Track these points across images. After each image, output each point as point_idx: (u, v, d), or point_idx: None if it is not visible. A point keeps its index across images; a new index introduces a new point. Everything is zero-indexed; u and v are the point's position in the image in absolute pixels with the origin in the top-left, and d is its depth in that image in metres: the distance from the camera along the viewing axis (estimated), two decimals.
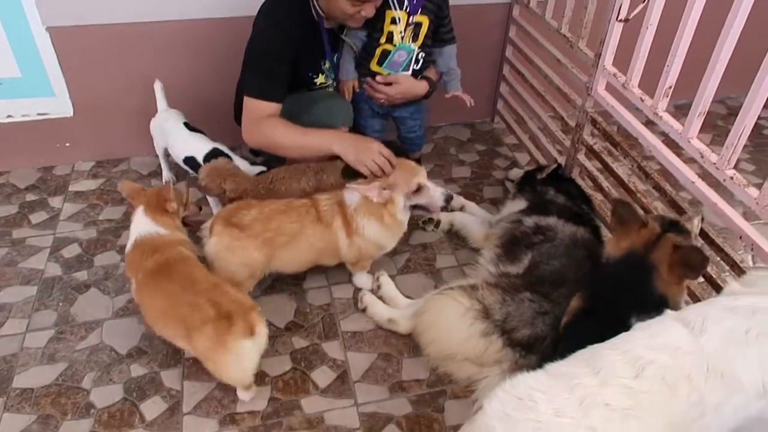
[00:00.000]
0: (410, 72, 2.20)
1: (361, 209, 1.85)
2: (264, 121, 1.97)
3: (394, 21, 2.10)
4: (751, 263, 1.63)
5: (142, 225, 1.78)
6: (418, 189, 1.88)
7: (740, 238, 1.51)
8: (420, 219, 2.32)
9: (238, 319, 1.52)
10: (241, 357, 1.56)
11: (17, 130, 2.49)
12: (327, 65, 2.17)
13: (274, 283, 2.05)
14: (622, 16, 1.86)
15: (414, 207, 1.95)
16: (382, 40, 2.14)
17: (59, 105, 2.47)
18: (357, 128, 2.32)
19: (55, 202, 2.41)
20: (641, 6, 1.80)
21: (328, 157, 2.02)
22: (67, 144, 2.59)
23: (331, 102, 2.16)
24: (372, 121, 2.34)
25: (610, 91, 2.01)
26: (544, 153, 2.54)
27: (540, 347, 1.71)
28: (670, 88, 1.71)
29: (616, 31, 1.90)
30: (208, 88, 2.56)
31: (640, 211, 1.64)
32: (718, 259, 1.64)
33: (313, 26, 2.03)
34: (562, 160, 2.37)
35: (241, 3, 2.35)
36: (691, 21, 1.58)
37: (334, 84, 2.26)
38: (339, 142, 1.96)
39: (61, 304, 1.97)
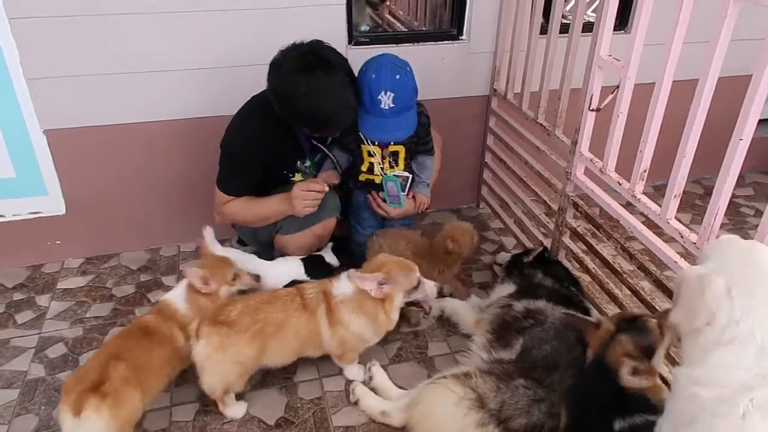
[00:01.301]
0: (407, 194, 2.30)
1: (350, 302, 1.84)
2: (226, 205, 2.14)
3: (370, 154, 2.21)
4: None
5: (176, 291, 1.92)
6: (417, 285, 1.89)
7: None
8: (410, 309, 2.31)
9: (73, 395, 1.51)
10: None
11: (8, 230, 2.51)
12: (307, 164, 2.25)
13: (264, 378, 2.01)
14: (594, 105, 1.96)
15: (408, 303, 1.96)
16: (364, 168, 2.25)
17: (52, 204, 2.51)
18: (355, 234, 2.42)
19: (43, 300, 2.39)
20: (611, 96, 1.90)
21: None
22: (58, 242, 2.60)
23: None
24: (369, 230, 2.40)
25: (589, 175, 2.08)
26: (530, 236, 2.58)
27: None
28: (645, 171, 1.78)
29: (589, 119, 1.99)
30: (198, 183, 2.61)
31: (595, 313, 1.68)
32: None
33: (289, 129, 2.10)
34: (547, 242, 2.40)
35: (226, 103, 2.45)
36: (659, 108, 1.67)
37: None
38: (287, 204, 2.07)
39: (43, 407, 1.91)
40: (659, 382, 1.56)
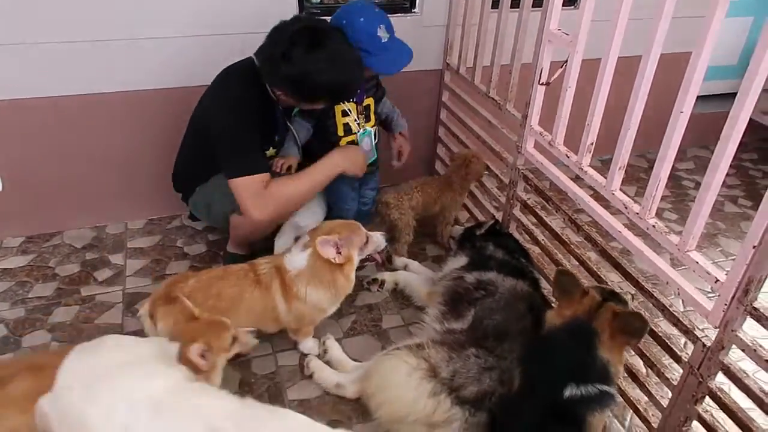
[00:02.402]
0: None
1: (304, 275, 1.83)
2: (265, 191, 1.94)
3: (345, 113, 2.21)
4: (681, 308, 1.70)
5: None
6: (366, 240, 1.91)
7: (667, 283, 1.59)
8: (364, 280, 2.32)
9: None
10: None
11: None
12: (277, 139, 2.20)
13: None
14: (543, 80, 1.99)
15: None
16: (341, 133, 2.24)
17: None
18: (339, 212, 2.37)
19: None
20: (560, 71, 1.93)
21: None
22: None
23: None
24: (351, 203, 2.40)
25: (539, 149, 2.11)
26: (482, 210, 2.62)
27: (488, 403, 1.71)
28: (591, 144, 1.82)
29: (539, 93, 2.02)
30: (145, 159, 2.53)
31: (582, 281, 1.71)
32: (650, 304, 1.70)
33: (266, 98, 2.06)
34: (499, 215, 2.45)
35: (170, 75, 2.38)
36: (605, 82, 1.70)
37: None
38: (341, 164, 2.10)
39: None
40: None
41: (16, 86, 2.24)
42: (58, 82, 2.28)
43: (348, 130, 2.25)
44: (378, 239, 1.95)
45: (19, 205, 2.47)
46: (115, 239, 2.56)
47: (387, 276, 2.33)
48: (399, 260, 2.44)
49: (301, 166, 2.15)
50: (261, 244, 2.41)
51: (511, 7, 2.20)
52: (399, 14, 2.61)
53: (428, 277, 2.31)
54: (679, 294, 1.56)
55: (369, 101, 2.28)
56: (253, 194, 1.93)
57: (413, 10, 2.63)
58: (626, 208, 1.69)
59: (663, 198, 1.61)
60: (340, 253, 1.80)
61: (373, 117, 2.31)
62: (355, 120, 2.24)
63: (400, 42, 2.15)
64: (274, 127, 2.16)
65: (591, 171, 1.83)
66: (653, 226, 1.60)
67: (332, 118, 2.22)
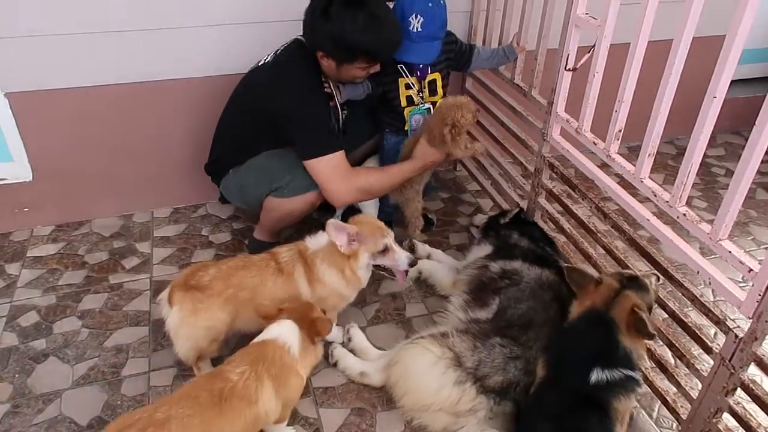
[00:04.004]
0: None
1: (322, 255, 1.84)
2: (351, 176, 2.03)
3: (408, 86, 2.29)
4: (711, 297, 1.66)
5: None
6: (384, 250, 1.88)
7: (698, 272, 1.55)
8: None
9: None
10: None
11: None
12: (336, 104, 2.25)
13: (240, 341, 2.00)
14: (570, 65, 1.95)
15: (377, 266, 1.95)
16: (404, 104, 2.32)
17: (18, 170, 2.43)
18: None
19: (13, 268, 2.34)
20: (587, 56, 1.89)
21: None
22: (26, 209, 2.53)
23: None
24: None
25: (565, 136, 2.08)
26: (507, 198, 2.60)
27: (513, 393, 1.70)
28: (620, 131, 1.78)
29: (565, 79, 1.98)
30: (171, 147, 2.56)
31: (592, 271, 1.69)
32: (680, 294, 1.67)
33: (324, 79, 2.11)
34: (523, 204, 2.42)
35: (195, 64, 2.39)
36: (634, 67, 1.66)
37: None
38: (424, 167, 2.19)
39: (17, 375, 1.89)
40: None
41: (45, 76, 2.27)
42: (87, 72, 2.31)
43: (410, 101, 2.33)
44: (399, 256, 1.89)
45: (49, 194, 2.52)
46: (142, 228, 2.59)
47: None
48: (422, 249, 2.43)
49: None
50: (287, 232, 2.42)
51: None
52: None
53: (452, 266, 2.30)
54: (710, 284, 1.52)
55: (434, 76, 2.31)
56: (340, 174, 2.01)
57: None
58: (656, 196, 1.66)
59: (693, 185, 1.57)
60: (350, 244, 1.79)
61: (440, 90, 2.35)
62: (419, 93, 2.31)
63: (428, 44, 2.17)
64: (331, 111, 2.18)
65: (619, 158, 1.80)
66: (684, 214, 1.57)
67: (396, 90, 2.30)
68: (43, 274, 2.32)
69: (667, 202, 1.62)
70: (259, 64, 2.10)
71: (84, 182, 2.54)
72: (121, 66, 2.34)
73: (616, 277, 1.65)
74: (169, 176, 2.63)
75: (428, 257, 2.41)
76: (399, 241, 1.95)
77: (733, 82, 1.43)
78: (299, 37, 2.08)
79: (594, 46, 1.80)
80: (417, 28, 2.10)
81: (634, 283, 1.62)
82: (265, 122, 2.03)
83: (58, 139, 2.42)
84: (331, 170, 2.01)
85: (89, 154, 2.48)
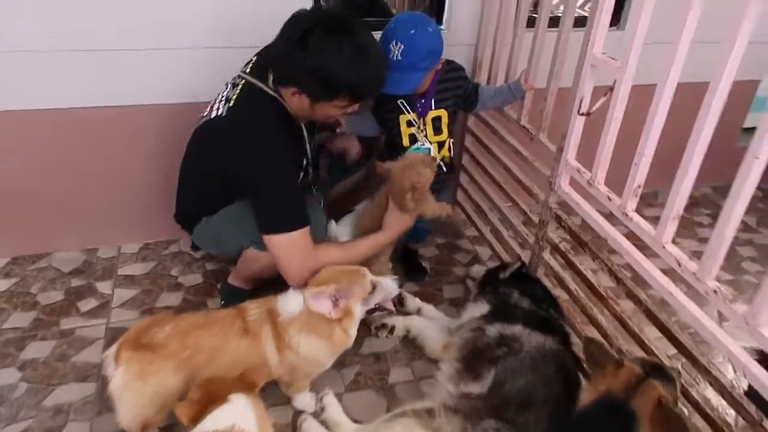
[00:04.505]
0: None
1: (297, 322, 1.60)
2: (312, 254, 1.73)
3: (409, 123, 2.08)
4: (744, 387, 1.42)
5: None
6: (373, 288, 1.67)
7: (728, 359, 1.32)
8: (373, 324, 2.08)
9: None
10: None
11: None
12: (304, 163, 1.95)
13: None
14: (584, 109, 1.74)
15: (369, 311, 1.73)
16: (406, 143, 2.10)
17: None
18: None
19: None
20: (603, 99, 1.68)
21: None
22: None
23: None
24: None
25: (575, 186, 1.86)
26: (507, 248, 2.36)
27: None
28: (639, 187, 1.56)
29: (577, 124, 1.77)
30: (143, 178, 2.34)
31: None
32: (706, 383, 1.43)
33: (294, 128, 1.83)
34: (526, 256, 2.19)
35: (175, 89, 2.19)
36: (659, 117, 1.45)
37: (311, 178, 2.02)
38: (396, 230, 1.93)
39: None
40: None
41: (4, 96, 2.06)
42: (51, 93, 2.10)
43: (414, 140, 2.12)
44: (388, 286, 1.71)
45: (6, 222, 2.29)
46: (105, 264, 2.36)
47: (398, 321, 2.08)
48: (412, 302, 2.19)
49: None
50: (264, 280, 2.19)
51: (548, 27, 1.97)
52: None
53: (444, 325, 2.06)
54: (744, 373, 1.29)
55: (439, 113, 2.09)
56: (300, 254, 1.72)
57: (440, 27, 2.40)
58: (680, 265, 1.43)
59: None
60: (337, 305, 1.56)
61: (445, 129, 2.12)
62: (421, 130, 2.09)
63: (406, 75, 1.91)
64: (302, 153, 1.91)
65: (637, 218, 1.57)
66: (714, 291, 1.34)
67: (397, 127, 2.10)
68: None
69: (695, 274, 1.39)
70: (211, 116, 1.79)
71: (44, 212, 2.32)
72: (86, 88, 2.13)
73: (638, 362, 1.40)
74: (138, 209, 2.41)
75: (418, 312, 2.17)
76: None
77: None
78: (244, 74, 1.78)
79: (612, 88, 1.60)
80: (397, 56, 1.87)
81: (658, 372, 1.38)
82: (228, 182, 1.77)
83: (17, 164, 2.20)
84: (289, 249, 1.72)
85: (51, 181, 2.26)
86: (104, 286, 2.24)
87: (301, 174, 1.92)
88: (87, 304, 2.15)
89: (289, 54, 1.62)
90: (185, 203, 2.03)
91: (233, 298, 2.09)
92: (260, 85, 1.74)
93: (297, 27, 1.61)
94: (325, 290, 1.54)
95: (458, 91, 2.11)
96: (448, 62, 2.10)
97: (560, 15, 1.85)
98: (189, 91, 2.20)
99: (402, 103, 2.07)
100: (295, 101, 1.73)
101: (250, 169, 1.68)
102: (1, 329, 2.02)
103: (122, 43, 2.07)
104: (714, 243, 1.32)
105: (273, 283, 2.00)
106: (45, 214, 2.32)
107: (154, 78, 2.17)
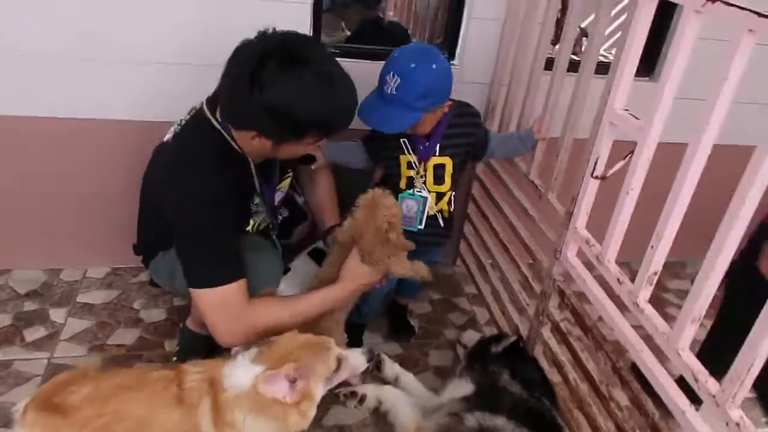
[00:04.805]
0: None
1: (245, 400, 1.35)
2: (246, 314, 1.47)
3: (410, 166, 1.82)
4: None
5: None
6: (338, 363, 1.42)
7: None
8: (341, 391, 1.82)
9: None
10: None
11: None
12: (257, 201, 1.69)
13: None
14: (599, 172, 1.48)
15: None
16: (403, 185, 1.84)
17: None
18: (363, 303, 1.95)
19: None
20: (622, 163, 1.43)
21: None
22: None
23: (257, 257, 1.61)
24: (387, 282, 1.91)
25: (583, 259, 1.59)
26: (505, 314, 2.09)
27: None
28: (655, 274, 1.29)
29: (590, 188, 1.51)
30: (115, 197, 2.15)
31: None
32: None
33: (239, 165, 1.57)
34: (524, 328, 1.92)
35: (159, 106, 2.00)
36: (685, 190, 1.18)
37: (265, 221, 1.76)
38: (348, 298, 1.67)
39: None
40: None
41: None
42: (13, 99, 1.94)
43: (411, 184, 1.84)
44: (356, 362, 1.45)
45: None
46: (65, 288, 2.18)
47: (370, 390, 1.82)
48: (390, 367, 1.93)
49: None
50: None
51: (568, 71, 1.72)
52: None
53: (419, 402, 1.79)
54: None
55: (443, 161, 1.82)
56: (226, 313, 1.46)
57: (451, 62, 2.18)
58: (697, 381, 1.15)
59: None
60: (295, 387, 1.31)
61: (448, 180, 1.84)
62: (420, 176, 1.83)
63: (398, 111, 1.65)
64: (250, 193, 1.66)
65: (650, 311, 1.30)
66: (737, 424, 1.05)
67: (397, 167, 1.84)
68: None
69: (714, 396, 1.10)
70: (164, 139, 1.61)
71: (7, 224, 2.15)
72: (55, 97, 1.96)
73: None
74: (107, 230, 2.22)
75: (395, 381, 1.91)
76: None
77: None
78: (204, 100, 1.58)
79: (632, 152, 1.34)
80: (392, 90, 1.63)
81: None
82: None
83: None
84: (213, 306, 1.46)
85: (17, 191, 2.09)
86: (58, 314, 2.05)
87: (251, 219, 1.68)
88: (34, 333, 1.96)
89: (240, 96, 1.38)
90: (143, 233, 1.82)
91: (190, 344, 1.87)
92: (209, 115, 1.53)
93: (244, 64, 1.37)
94: (281, 372, 1.29)
95: (469, 139, 1.85)
96: (462, 105, 1.84)
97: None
98: (168, 107, 2.00)
99: (404, 141, 1.82)
100: (256, 145, 1.49)
101: (177, 213, 1.46)
102: None
103: (94, 50, 1.90)
104: (743, 361, 1.04)
105: None
106: (5, 227, 2.15)
107: (129, 90, 1.99)
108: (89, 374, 1.37)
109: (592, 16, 1.58)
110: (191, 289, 1.48)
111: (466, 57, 2.15)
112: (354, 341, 2.05)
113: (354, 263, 1.62)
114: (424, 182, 1.84)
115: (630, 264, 2.18)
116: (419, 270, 1.72)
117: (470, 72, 2.17)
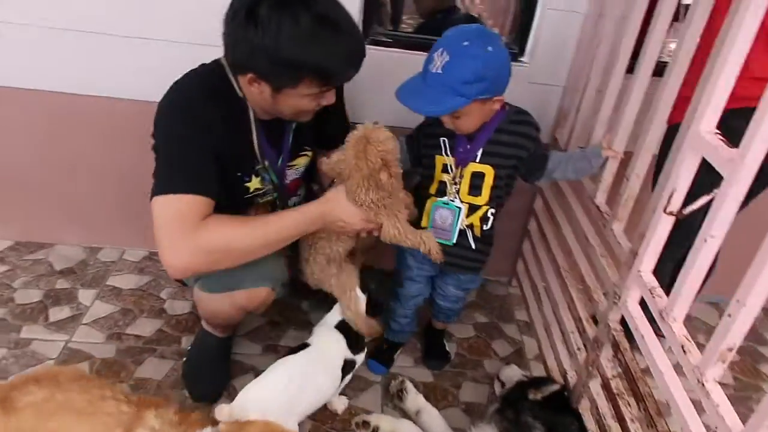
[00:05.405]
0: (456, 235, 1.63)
1: None
2: (196, 229, 1.28)
3: (445, 169, 1.59)
4: None
5: None
6: None
7: None
8: (354, 419, 1.64)
9: None
10: None
11: None
12: (265, 165, 1.53)
13: None
14: (674, 207, 1.19)
15: None
16: (432, 189, 1.62)
17: None
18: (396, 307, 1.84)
19: None
20: (706, 199, 1.14)
21: None
22: None
23: None
24: (411, 285, 1.78)
25: (644, 308, 1.31)
26: (556, 353, 1.82)
27: None
28: (730, 350, 1.00)
29: (662, 225, 1.22)
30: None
31: None
32: None
33: (239, 115, 1.44)
34: (573, 374, 1.65)
35: None
36: None
37: (275, 190, 1.60)
38: (320, 219, 1.44)
39: None
40: None
41: (16, 72, 1.89)
42: (68, 75, 1.90)
43: (442, 190, 1.61)
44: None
45: (11, 206, 2.15)
46: (99, 269, 2.14)
47: (385, 422, 1.62)
48: (413, 400, 1.72)
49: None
50: (254, 322, 1.86)
51: (653, 75, 1.42)
52: None
53: None
54: None
55: (483, 169, 1.56)
56: (173, 227, 1.28)
57: (520, 59, 1.91)
58: None
59: None
60: None
61: (486, 192, 1.59)
62: (454, 183, 1.59)
63: (440, 93, 1.40)
64: (253, 151, 1.50)
65: (717, 393, 1.01)
66: None
67: (432, 168, 1.62)
68: None
69: None
70: None
71: (51, 200, 2.14)
72: (102, 77, 1.91)
73: None
74: (146, 213, 2.15)
75: (417, 414, 1.70)
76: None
77: None
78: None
79: (717, 186, 1.05)
80: (437, 68, 1.39)
81: None
82: None
83: (22, 147, 2.03)
84: (166, 218, 1.28)
85: (56, 168, 2.08)
86: (86, 295, 2.01)
87: (252, 176, 1.52)
88: (58, 313, 1.93)
89: (237, 34, 1.27)
90: None
91: (201, 344, 1.77)
92: (223, 61, 1.41)
93: (242, 0, 1.25)
94: None
95: (519, 152, 1.56)
96: (520, 112, 1.58)
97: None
98: None
99: (444, 141, 1.58)
100: (255, 92, 1.37)
101: (156, 126, 1.37)
102: None
103: (139, 28, 1.82)
104: None
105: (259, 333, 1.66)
106: (49, 204, 2.15)
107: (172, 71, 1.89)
108: (58, 378, 1.26)
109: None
110: (152, 201, 1.33)
111: (537, 54, 1.87)
112: (384, 360, 1.89)
113: (339, 193, 1.45)
114: (458, 190, 1.60)
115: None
116: (426, 242, 1.51)
117: (541, 72, 1.89)
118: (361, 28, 1.84)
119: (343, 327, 1.63)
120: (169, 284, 2.10)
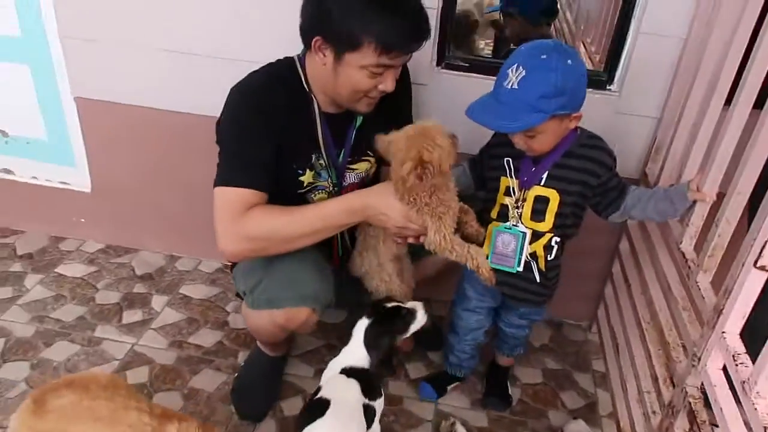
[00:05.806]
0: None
1: None
2: (241, 218, 1.36)
3: (508, 192, 1.50)
4: None
5: None
6: None
7: None
8: (445, 421, 1.57)
9: None
10: None
11: (39, 194, 2.32)
12: (322, 161, 1.53)
13: None
14: (765, 262, 1.01)
15: None
16: (494, 214, 1.53)
17: (78, 178, 2.26)
18: (455, 323, 1.75)
19: (30, 281, 2.14)
20: None
21: None
22: (83, 219, 2.35)
23: (299, 267, 1.46)
24: (470, 316, 1.69)
25: (727, 375, 1.12)
26: (630, 414, 1.62)
27: None
28: None
29: (751, 281, 1.05)
30: None
31: None
32: None
33: (304, 105, 1.48)
34: None
35: None
36: None
37: (333, 189, 1.58)
38: (365, 210, 1.41)
39: None
40: None
41: (119, 88, 2.03)
42: (163, 93, 2.02)
43: (503, 214, 1.51)
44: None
45: (105, 211, 2.30)
46: (175, 277, 2.22)
47: None
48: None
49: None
50: (300, 348, 1.84)
51: (755, 107, 1.24)
52: (588, 88, 1.77)
53: None
54: None
55: (547, 194, 1.44)
56: (227, 216, 1.39)
57: (609, 87, 1.76)
58: None
59: None
60: None
61: (550, 218, 1.46)
62: (517, 206, 1.48)
63: (515, 110, 1.30)
64: (314, 143, 1.52)
65: None
66: None
67: (496, 191, 1.52)
68: (47, 298, 2.07)
69: None
70: None
71: (140, 208, 2.27)
72: (200, 95, 1.99)
73: None
74: None
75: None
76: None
77: None
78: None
79: None
80: (512, 84, 1.29)
81: None
82: None
83: (121, 157, 2.17)
84: (220, 206, 1.40)
85: (150, 181, 2.20)
86: (158, 301, 2.09)
87: (307, 169, 1.52)
88: (132, 316, 2.02)
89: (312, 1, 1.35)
90: None
91: (253, 362, 1.77)
92: (296, 58, 1.50)
93: None
94: None
95: (589, 179, 1.42)
96: (593, 137, 1.45)
97: None
98: None
99: (509, 161, 1.48)
100: (319, 64, 1.39)
101: (223, 115, 1.45)
102: (47, 317, 1.98)
103: (244, 52, 1.88)
104: None
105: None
106: (140, 211, 2.27)
107: None
108: (90, 384, 1.28)
109: None
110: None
111: (629, 82, 1.72)
112: (436, 386, 1.80)
113: (384, 187, 1.41)
114: (520, 215, 1.48)
115: None
116: (475, 257, 1.39)
117: (632, 102, 1.73)
118: (435, 51, 1.80)
119: (352, 372, 1.40)
120: (236, 298, 2.14)
